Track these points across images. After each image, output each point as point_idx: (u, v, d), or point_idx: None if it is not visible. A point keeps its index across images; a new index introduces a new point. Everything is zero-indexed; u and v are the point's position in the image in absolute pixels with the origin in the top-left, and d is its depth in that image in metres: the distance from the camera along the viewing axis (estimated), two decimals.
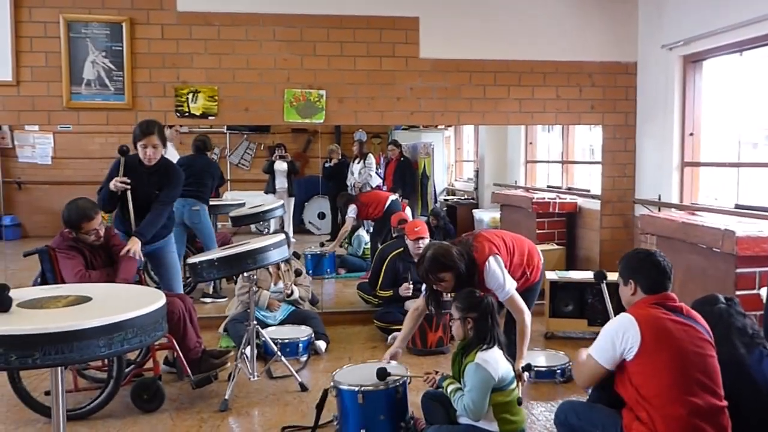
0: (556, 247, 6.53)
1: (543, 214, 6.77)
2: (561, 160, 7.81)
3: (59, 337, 2.06)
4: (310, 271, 7.45)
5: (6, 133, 11.45)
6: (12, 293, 2.53)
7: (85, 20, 5.09)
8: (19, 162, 11.65)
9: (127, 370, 3.91)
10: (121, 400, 3.87)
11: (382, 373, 3.21)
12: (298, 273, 5.37)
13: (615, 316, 2.78)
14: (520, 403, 3.07)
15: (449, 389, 3.11)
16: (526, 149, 8.61)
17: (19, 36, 5.05)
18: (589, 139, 7.51)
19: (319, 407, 3.52)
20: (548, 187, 7.79)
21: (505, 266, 3.50)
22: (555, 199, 6.91)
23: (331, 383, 3.39)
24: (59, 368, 2.36)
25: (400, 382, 3.28)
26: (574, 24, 5.81)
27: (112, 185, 4.17)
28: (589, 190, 6.82)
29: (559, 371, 4.25)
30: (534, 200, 6.85)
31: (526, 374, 3.45)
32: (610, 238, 6.02)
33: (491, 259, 3.40)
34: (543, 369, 4.25)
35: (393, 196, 7.59)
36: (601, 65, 5.88)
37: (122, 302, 2.46)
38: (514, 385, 3.10)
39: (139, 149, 4.27)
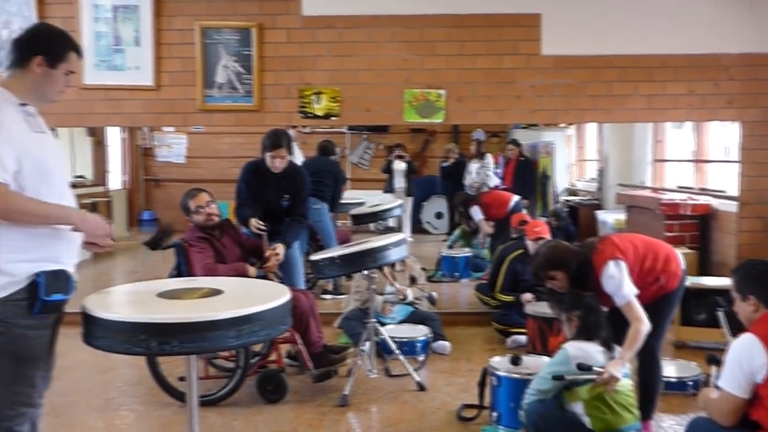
0: (687, 251, 6.17)
1: (672, 216, 6.43)
2: (693, 159, 7.39)
3: (195, 326, 2.17)
4: (444, 273, 7.49)
5: (146, 134, 12.32)
6: (152, 284, 2.72)
7: (218, 27, 5.35)
8: (157, 161, 12.50)
9: (252, 361, 4.07)
10: (246, 389, 4.04)
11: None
12: (413, 280, 5.31)
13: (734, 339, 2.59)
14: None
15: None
16: (654, 147, 8.22)
17: (159, 43, 5.39)
18: (724, 136, 7.06)
19: (481, 384, 3.64)
20: (678, 187, 7.39)
21: (632, 272, 3.33)
22: (686, 200, 6.54)
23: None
24: (193, 356, 2.50)
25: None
26: (708, 13, 5.46)
27: (253, 228, 4.44)
28: (724, 191, 6.41)
29: (690, 383, 4.03)
30: (663, 201, 6.52)
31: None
32: (749, 242, 5.61)
33: (611, 263, 3.25)
34: (673, 380, 4.04)
35: (516, 198, 7.45)
36: (740, 57, 5.49)
37: (251, 296, 2.56)
38: (600, 387, 3.01)
39: (268, 158, 4.53)
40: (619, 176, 8.84)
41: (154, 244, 2.41)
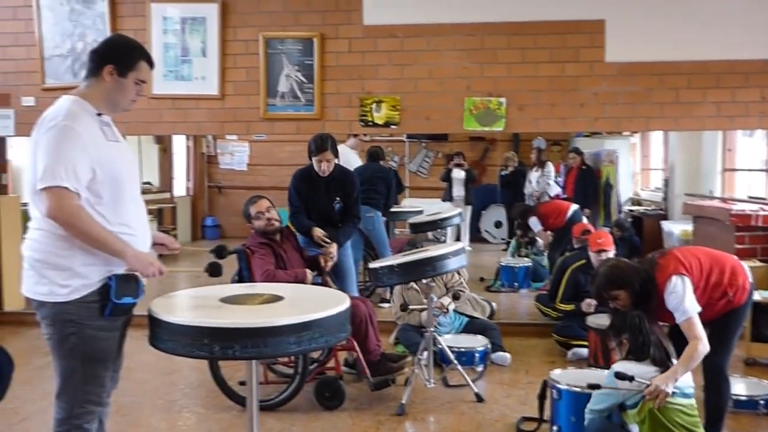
0: (758, 264, 5.92)
1: (743, 228, 6.18)
2: (765, 168, 7.10)
3: (256, 332, 2.21)
4: (503, 283, 7.40)
5: (210, 142, 12.63)
6: (215, 289, 2.77)
7: (281, 37, 5.45)
8: (220, 168, 12.78)
9: (311, 367, 4.11)
10: (305, 395, 4.08)
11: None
12: (456, 297, 5.20)
13: None
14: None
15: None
16: (723, 156, 7.93)
17: (224, 54, 5.53)
18: None
19: (541, 397, 3.57)
20: (749, 197, 7.11)
21: (697, 288, 3.22)
22: (757, 211, 6.28)
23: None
24: (254, 361, 2.54)
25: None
26: None
27: (317, 239, 4.53)
28: None
29: (762, 401, 3.86)
30: (733, 212, 6.27)
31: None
32: None
33: (674, 278, 3.14)
34: (743, 398, 3.88)
35: (575, 206, 7.31)
36: None
37: (311, 303, 2.58)
38: (650, 402, 2.92)
39: (315, 163, 4.60)
40: (686, 186, 8.56)
41: (213, 270, 2.49)
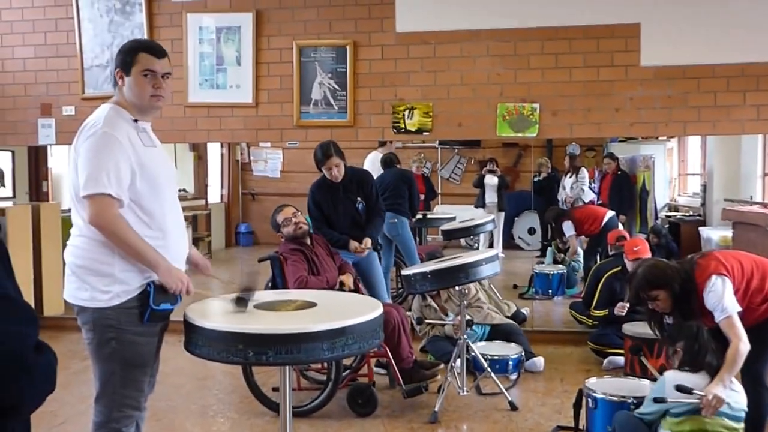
0: None
1: None
2: None
3: (290, 338, 2.22)
4: (537, 290, 7.33)
5: (244, 149, 12.77)
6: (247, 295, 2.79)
7: (315, 45, 5.50)
8: (254, 175, 12.91)
9: (343, 374, 4.11)
10: (337, 402, 4.08)
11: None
12: (469, 324, 5.10)
13: None
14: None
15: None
16: (764, 160, 7.77)
17: (258, 62, 5.59)
18: None
19: (577, 406, 3.54)
20: None
21: (737, 291, 3.15)
22: None
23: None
24: (287, 367, 2.55)
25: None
26: None
27: (356, 251, 4.64)
28: None
29: None
30: None
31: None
32: None
33: (714, 278, 3.08)
34: None
35: (611, 213, 7.21)
36: None
37: (344, 309, 2.59)
38: (698, 415, 2.86)
39: (325, 172, 4.65)
40: (725, 191, 8.40)
41: (241, 303, 2.51)
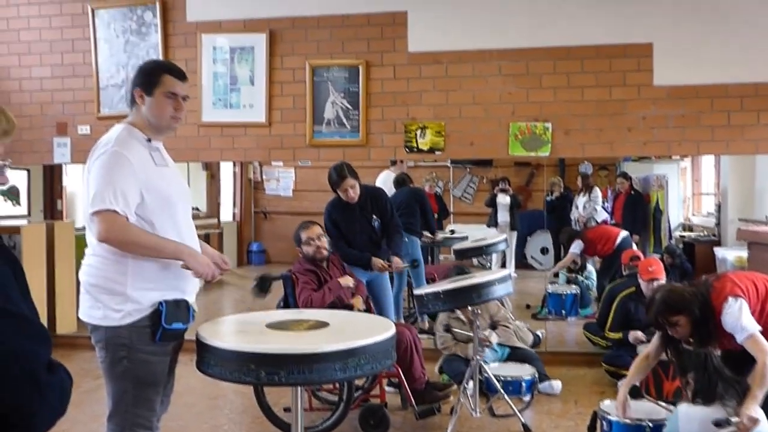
0: None
1: None
2: None
3: (302, 358, 2.20)
4: (550, 310, 7.27)
5: (257, 168, 12.82)
6: (261, 315, 2.79)
7: (327, 65, 5.53)
8: (266, 194, 12.94)
9: (355, 395, 4.08)
10: (349, 423, 4.04)
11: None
12: (493, 326, 5.08)
13: None
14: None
15: None
16: None
17: (272, 82, 5.64)
18: None
19: (591, 429, 3.48)
20: None
21: (753, 311, 3.11)
22: None
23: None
24: (299, 387, 2.53)
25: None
26: None
27: (378, 268, 4.74)
28: None
29: None
30: None
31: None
32: None
33: (730, 299, 3.04)
34: None
35: (624, 233, 7.15)
36: None
37: (356, 329, 2.57)
38: None
39: (341, 194, 4.68)
40: (740, 211, 8.32)
41: (261, 289, 2.52)
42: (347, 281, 4.23)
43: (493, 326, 4.93)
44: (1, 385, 1.27)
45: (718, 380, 2.91)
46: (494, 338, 5.03)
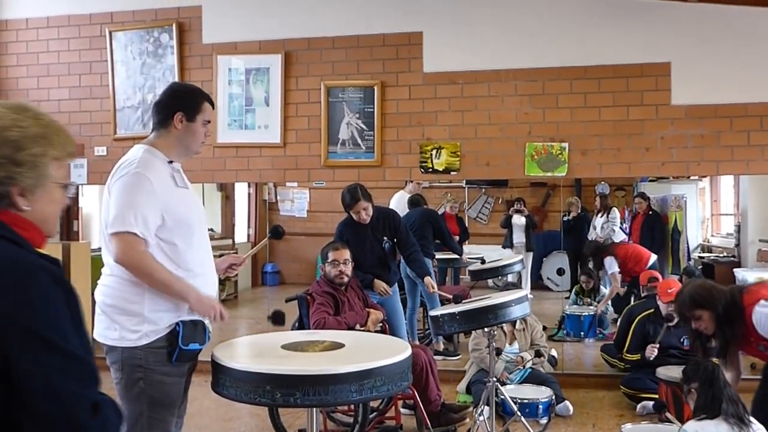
0: None
1: None
2: None
3: (318, 379, 2.18)
4: (568, 332, 7.17)
5: (271, 189, 12.86)
6: (276, 336, 2.76)
7: (342, 86, 5.55)
8: (281, 215, 12.95)
9: (370, 416, 4.03)
10: None
11: None
12: (539, 354, 5.06)
13: None
14: None
15: None
16: None
17: (287, 103, 5.66)
18: None
19: None
20: None
21: None
22: None
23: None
24: (315, 409, 2.50)
25: None
26: None
27: (381, 291, 4.73)
28: None
29: None
30: None
31: None
32: None
33: (763, 301, 3.01)
34: None
35: (654, 257, 7.04)
36: None
37: (372, 350, 2.54)
38: None
39: (354, 215, 4.71)
40: (760, 231, 8.21)
41: (276, 235, 2.64)
42: (378, 316, 4.23)
43: (539, 354, 4.90)
44: (38, 426, 1.25)
45: (722, 398, 2.88)
46: (529, 362, 4.98)
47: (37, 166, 1.44)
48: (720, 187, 10.26)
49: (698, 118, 5.20)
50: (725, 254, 9.09)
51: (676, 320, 4.85)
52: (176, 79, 5.69)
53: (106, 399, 1.36)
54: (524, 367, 4.89)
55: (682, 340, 4.86)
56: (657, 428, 3.54)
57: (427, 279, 4.86)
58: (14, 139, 1.41)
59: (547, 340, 6.88)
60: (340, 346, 2.53)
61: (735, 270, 8.09)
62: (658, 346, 4.75)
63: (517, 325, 5.09)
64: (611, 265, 7.05)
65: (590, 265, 7.72)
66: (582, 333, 7.12)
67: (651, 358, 4.75)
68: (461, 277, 8.60)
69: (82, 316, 1.40)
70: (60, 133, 1.50)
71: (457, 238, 8.57)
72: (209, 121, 2.58)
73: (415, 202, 6.91)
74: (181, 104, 2.52)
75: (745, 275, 7.67)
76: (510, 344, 5.04)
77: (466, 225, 11.35)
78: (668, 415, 3.85)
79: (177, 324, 2.36)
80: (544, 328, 7.47)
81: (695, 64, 5.19)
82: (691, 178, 9.43)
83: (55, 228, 1.59)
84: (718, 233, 10.30)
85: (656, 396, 4.61)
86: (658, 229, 8.50)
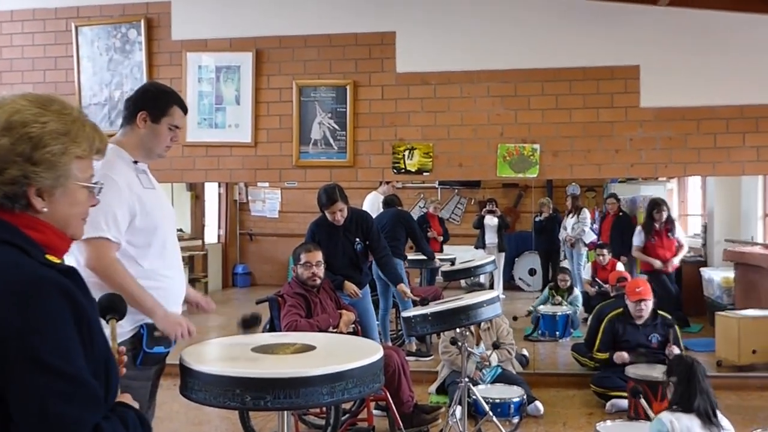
0: None
1: None
2: None
3: (289, 382, 2.15)
4: (543, 331, 7.19)
5: (242, 189, 12.74)
6: (246, 338, 2.72)
7: (315, 85, 5.51)
8: (252, 215, 12.84)
9: (342, 418, 4.00)
10: None
11: None
12: (495, 346, 5.09)
13: None
14: None
15: None
16: (765, 201, 7.76)
17: (258, 102, 5.59)
18: None
19: None
20: None
21: None
22: None
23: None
24: (286, 412, 2.47)
25: None
26: None
27: (351, 293, 4.75)
28: None
29: None
30: None
31: None
32: None
33: None
34: None
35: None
36: None
37: (344, 352, 2.51)
38: None
39: (328, 215, 4.69)
40: (726, 232, 8.36)
41: (249, 324, 2.52)
42: (350, 317, 4.21)
43: (496, 346, 4.90)
44: None
45: (696, 395, 2.95)
46: (494, 359, 4.99)
47: (56, 165, 1.34)
48: (687, 189, 10.44)
49: (666, 121, 5.27)
50: (692, 254, 9.24)
51: (644, 319, 4.93)
52: (144, 76, 5.60)
53: (112, 420, 1.31)
54: (489, 364, 4.90)
55: (650, 338, 4.92)
56: (631, 426, 3.57)
57: (401, 286, 4.88)
58: (33, 136, 1.32)
59: (522, 340, 6.95)
60: (312, 348, 2.50)
61: (702, 269, 8.24)
62: (627, 355, 4.80)
63: (482, 325, 5.09)
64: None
65: (557, 272, 7.75)
66: (557, 333, 7.17)
67: (620, 362, 4.79)
68: (436, 277, 8.62)
69: (93, 331, 1.32)
70: (86, 129, 1.40)
71: (441, 238, 8.62)
72: (178, 127, 2.50)
73: (389, 202, 6.90)
74: (148, 104, 2.46)
75: (712, 274, 7.82)
76: (477, 345, 5.03)
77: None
78: (642, 401, 3.89)
79: (141, 327, 2.31)
80: (515, 319, 7.48)
81: (664, 67, 5.25)
82: (660, 179, 9.58)
83: (81, 231, 1.49)
84: (686, 233, 10.46)
85: (625, 394, 4.65)
86: (627, 230, 8.58)
